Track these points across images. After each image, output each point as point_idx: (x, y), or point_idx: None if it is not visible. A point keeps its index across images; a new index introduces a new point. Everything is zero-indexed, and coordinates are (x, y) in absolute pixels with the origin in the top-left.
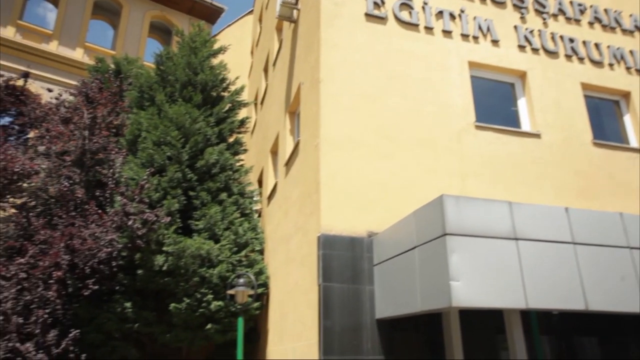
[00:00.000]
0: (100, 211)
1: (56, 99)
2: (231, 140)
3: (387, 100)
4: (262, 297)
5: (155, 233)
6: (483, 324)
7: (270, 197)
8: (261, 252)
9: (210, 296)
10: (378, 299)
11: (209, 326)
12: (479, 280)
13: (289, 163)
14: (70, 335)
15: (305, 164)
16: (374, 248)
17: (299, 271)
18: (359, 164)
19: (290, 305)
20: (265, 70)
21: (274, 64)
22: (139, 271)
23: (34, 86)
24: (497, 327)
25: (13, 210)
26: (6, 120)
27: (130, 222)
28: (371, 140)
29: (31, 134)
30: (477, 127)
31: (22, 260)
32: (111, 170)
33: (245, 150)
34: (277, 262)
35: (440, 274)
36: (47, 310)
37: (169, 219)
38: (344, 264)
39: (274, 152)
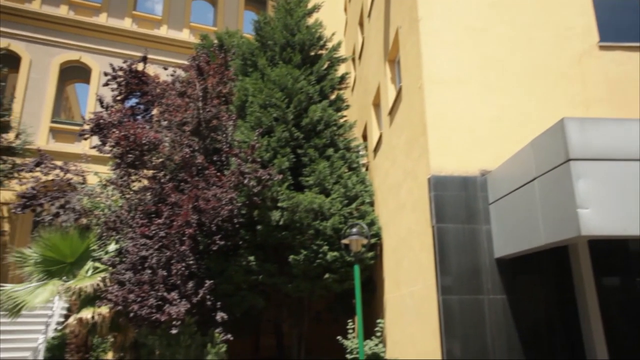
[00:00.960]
0: (218, 174)
1: (171, 75)
2: (333, 97)
3: (494, 31)
4: (375, 247)
5: (270, 190)
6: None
7: (375, 150)
8: (371, 204)
9: (325, 247)
10: (496, 237)
11: (326, 276)
12: (609, 207)
13: (392, 111)
14: (206, 285)
15: (410, 108)
16: (489, 186)
17: (411, 216)
18: (467, 101)
19: (405, 251)
20: (361, 23)
21: (369, 15)
22: (258, 227)
23: (151, 68)
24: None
25: (146, 182)
26: (133, 101)
27: (246, 181)
28: (479, 75)
29: (154, 111)
30: (602, 48)
31: (159, 221)
32: (224, 135)
33: (348, 106)
34: (387, 211)
35: (565, 203)
36: (184, 264)
37: (280, 176)
38: (457, 204)
39: (376, 104)
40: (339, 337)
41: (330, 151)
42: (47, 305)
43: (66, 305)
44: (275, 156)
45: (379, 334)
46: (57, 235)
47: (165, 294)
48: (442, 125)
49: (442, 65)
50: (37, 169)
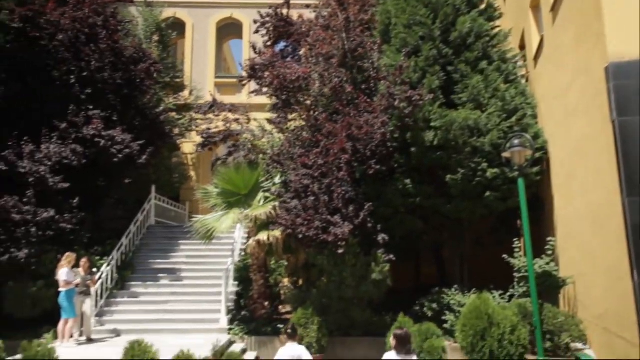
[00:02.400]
0: (368, 100)
1: (314, 11)
2: (482, 6)
3: None
4: (540, 162)
5: (421, 111)
6: None
7: (536, 57)
8: (534, 116)
9: (484, 164)
10: None
11: (487, 194)
12: None
13: (554, 7)
14: (366, 207)
15: None
16: None
17: (584, 119)
18: None
19: (578, 160)
20: None
21: None
22: (412, 149)
23: (294, 12)
24: None
25: (301, 121)
26: (282, 45)
27: (396, 103)
28: None
29: (302, 51)
30: None
31: (317, 150)
32: (370, 62)
33: (500, 15)
34: (554, 122)
35: None
36: (343, 189)
37: (431, 96)
38: None
39: (535, 6)
40: (504, 256)
41: (483, 64)
42: (230, 235)
43: (245, 234)
44: (424, 76)
45: (550, 252)
46: (232, 170)
47: (329, 217)
48: (619, 5)
49: None
50: (210, 111)
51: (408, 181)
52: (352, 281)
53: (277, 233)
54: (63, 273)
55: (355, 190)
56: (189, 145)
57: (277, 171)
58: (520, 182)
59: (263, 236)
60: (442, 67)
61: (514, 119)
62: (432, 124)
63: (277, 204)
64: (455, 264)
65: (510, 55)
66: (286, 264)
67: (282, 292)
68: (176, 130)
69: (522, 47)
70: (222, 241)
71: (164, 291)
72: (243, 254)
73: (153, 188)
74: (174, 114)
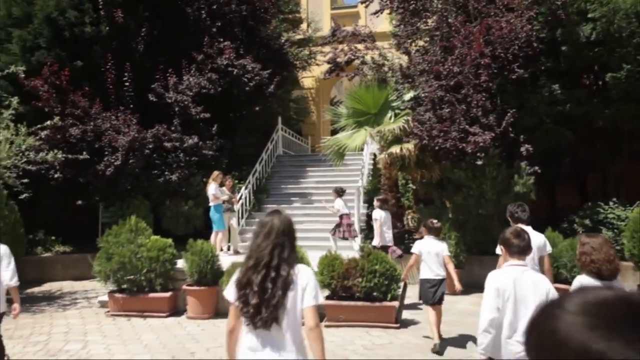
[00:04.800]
0: None
1: None
2: None
3: None
4: None
5: (575, 1)
6: None
7: None
8: None
9: None
10: None
11: None
12: None
13: None
14: (508, 115)
15: None
16: None
17: None
18: None
19: None
20: None
21: None
22: (563, 48)
23: None
24: None
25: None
26: None
27: None
28: None
29: None
30: None
31: (452, 57)
32: None
33: None
34: None
35: None
36: (482, 96)
37: None
38: None
39: None
40: None
41: None
42: (356, 162)
43: (372, 156)
44: None
45: None
46: (362, 89)
47: (467, 126)
48: None
49: None
50: (334, 38)
51: (556, 86)
52: (492, 195)
53: (409, 146)
54: (212, 188)
55: (493, 99)
56: (308, 80)
57: (407, 88)
58: None
59: (396, 149)
60: None
61: None
62: (590, 15)
63: (408, 118)
64: (608, 181)
65: None
66: (413, 187)
67: (409, 216)
68: (297, 64)
69: None
70: (348, 167)
71: (297, 212)
72: (370, 178)
73: (279, 119)
74: (293, 47)
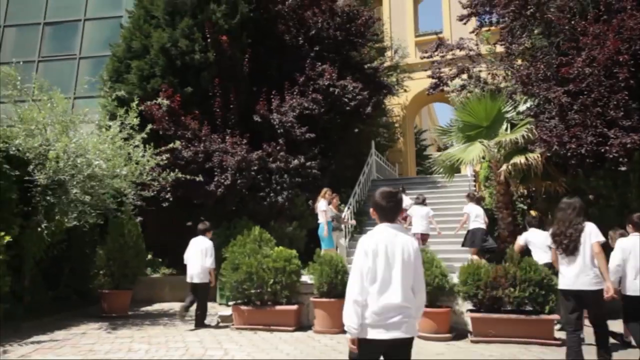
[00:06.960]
0: None
1: None
2: None
3: None
4: None
5: None
6: None
7: None
8: None
9: None
10: None
11: None
12: None
13: None
14: None
15: None
16: None
17: None
18: None
19: None
20: None
21: None
22: None
23: None
24: None
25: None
26: None
27: None
28: None
29: None
30: None
31: (580, 58)
32: None
33: None
34: None
35: None
36: (624, 94)
37: None
38: None
39: None
40: None
41: None
42: (455, 183)
43: (473, 174)
44: None
45: None
46: (474, 100)
47: (605, 129)
48: None
49: None
50: (436, 52)
51: None
52: (638, 205)
53: (535, 155)
54: (323, 205)
55: (637, 97)
56: (396, 107)
57: (523, 97)
58: None
59: (520, 158)
60: None
61: None
62: None
63: (531, 126)
64: None
65: None
66: (524, 207)
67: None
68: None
69: None
70: (447, 189)
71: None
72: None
73: (373, 143)
74: (381, 73)
